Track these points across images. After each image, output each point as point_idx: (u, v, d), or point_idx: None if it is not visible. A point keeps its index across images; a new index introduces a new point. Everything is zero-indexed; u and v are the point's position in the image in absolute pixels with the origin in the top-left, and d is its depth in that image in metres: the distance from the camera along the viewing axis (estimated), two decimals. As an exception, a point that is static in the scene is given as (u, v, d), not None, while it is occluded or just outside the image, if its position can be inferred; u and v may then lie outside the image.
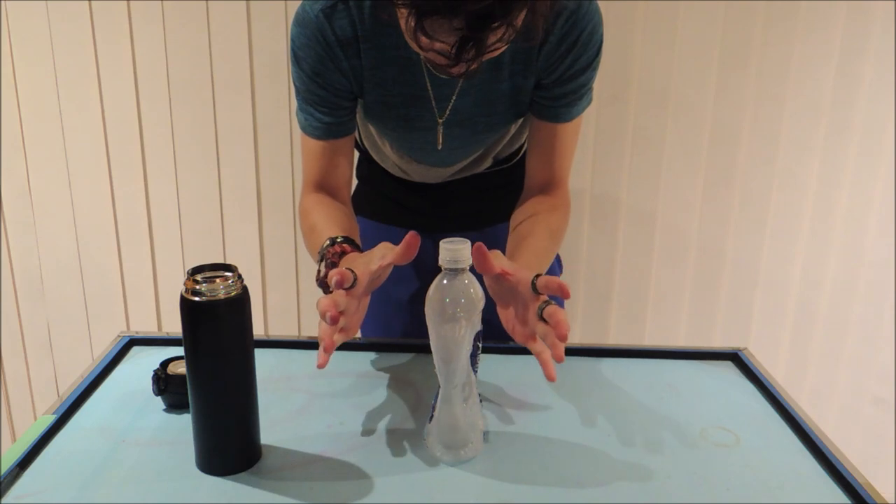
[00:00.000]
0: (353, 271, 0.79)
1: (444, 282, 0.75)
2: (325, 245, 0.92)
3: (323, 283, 0.90)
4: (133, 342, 1.07)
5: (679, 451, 0.83)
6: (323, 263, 0.92)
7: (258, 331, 1.48)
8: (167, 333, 1.12)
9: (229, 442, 0.78)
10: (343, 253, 0.91)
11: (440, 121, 1.02)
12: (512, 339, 0.85)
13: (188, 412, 0.79)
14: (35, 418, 1.69)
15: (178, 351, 0.83)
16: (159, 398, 0.90)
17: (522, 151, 1.16)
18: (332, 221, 0.97)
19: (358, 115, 1.08)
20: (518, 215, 1.05)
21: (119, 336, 1.08)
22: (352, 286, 0.79)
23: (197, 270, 0.75)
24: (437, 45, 0.75)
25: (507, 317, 0.86)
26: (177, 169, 1.77)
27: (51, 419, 0.85)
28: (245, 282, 0.76)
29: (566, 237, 1.09)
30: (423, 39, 0.75)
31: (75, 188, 1.78)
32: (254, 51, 1.69)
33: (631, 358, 1.05)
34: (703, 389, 0.97)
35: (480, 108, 1.01)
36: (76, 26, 1.67)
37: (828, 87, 1.70)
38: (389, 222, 1.21)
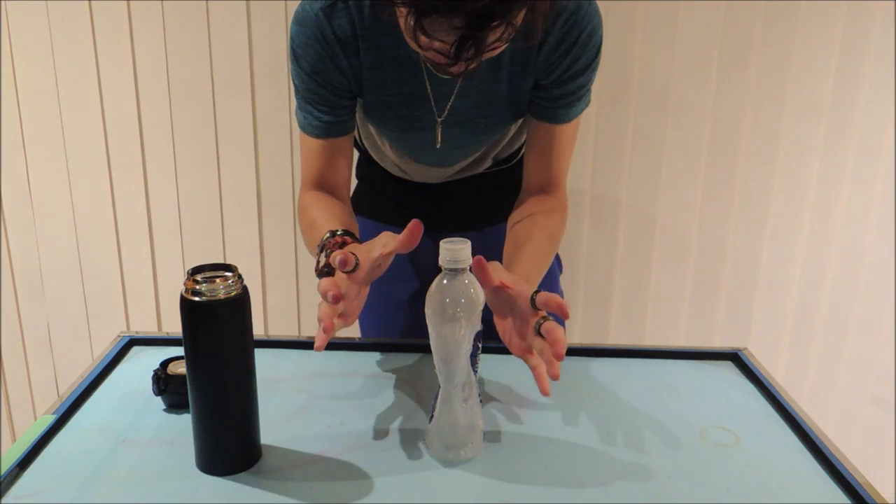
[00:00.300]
0: (355, 255, 0.79)
1: (444, 282, 0.75)
2: (325, 237, 0.92)
3: (323, 273, 0.90)
4: (133, 342, 1.07)
5: (679, 451, 0.83)
6: (323, 254, 0.91)
7: (258, 331, 1.48)
8: (167, 333, 1.12)
9: (229, 442, 0.78)
10: (344, 244, 0.91)
11: (439, 120, 1.02)
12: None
13: (188, 412, 0.79)
14: (35, 418, 1.69)
15: (178, 351, 0.83)
16: (159, 398, 0.90)
17: (522, 152, 1.16)
18: (331, 216, 0.97)
19: (357, 115, 1.08)
20: (516, 217, 1.05)
21: (119, 336, 1.08)
22: (353, 270, 0.79)
23: (197, 270, 0.75)
24: (437, 45, 0.75)
25: (504, 328, 0.85)
26: (177, 169, 1.77)
27: (51, 419, 0.85)
28: (245, 282, 0.76)
29: (566, 237, 1.08)
30: (423, 38, 0.75)
31: (75, 188, 1.78)
32: (254, 51, 1.69)
33: (631, 358, 1.05)
34: (703, 389, 0.97)
35: (480, 109, 1.01)
36: (76, 26, 1.66)
37: (828, 87, 1.70)
38: (389, 222, 1.21)
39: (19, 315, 1.87)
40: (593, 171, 1.77)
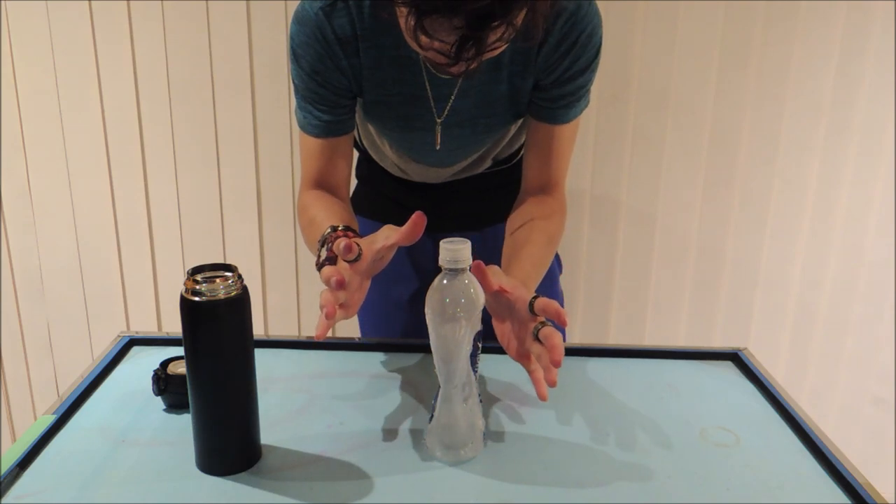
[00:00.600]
0: (358, 245, 0.79)
1: (444, 282, 0.75)
2: (326, 232, 0.91)
3: (324, 266, 0.89)
4: (133, 342, 1.07)
5: (679, 451, 0.83)
6: (324, 248, 0.91)
7: (258, 331, 1.48)
8: (167, 333, 1.12)
9: (229, 442, 0.78)
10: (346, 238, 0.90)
11: (439, 121, 1.02)
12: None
13: (188, 412, 0.79)
14: (35, 418, 1.69)
15: (178, 351, 0.83)
16: (159, 398, 0.90)
17: (522, 152, 1.16)
18: (332, 213, 0.97)
19: (357, 115, 1.08)
20: (515, 219, 1.05)
21: (119, 336, 1.08)
22: (356, 259, 0.79)
23: (197, 270, 0.75)
24: (437, 45, 0.75)
25: (502, 332, 0.86)
26: (177, 169, 1.77)
27: (51, 419, 0.85)
28: (245, 282, 0.76)
29: (566, 237, 1.08)
30: (423, 38, 0.75)
31: (75, 188, 1.78)
32: (254, 51, 1.69)
33: (631, 358, 1.05)
34: (703, 389, 0.97)
35: (479, 109, 1.01)
36: (76, 26, 1.66)
37: (828, 87, 1.70)
38: (389, 222, 1.21)
39: (19, 315, 1.87)
40: (593, 171, 1.77)
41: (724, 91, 1.71)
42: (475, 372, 0.80)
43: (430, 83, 0.98)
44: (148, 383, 0.90)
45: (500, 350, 0.86)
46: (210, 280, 0.73)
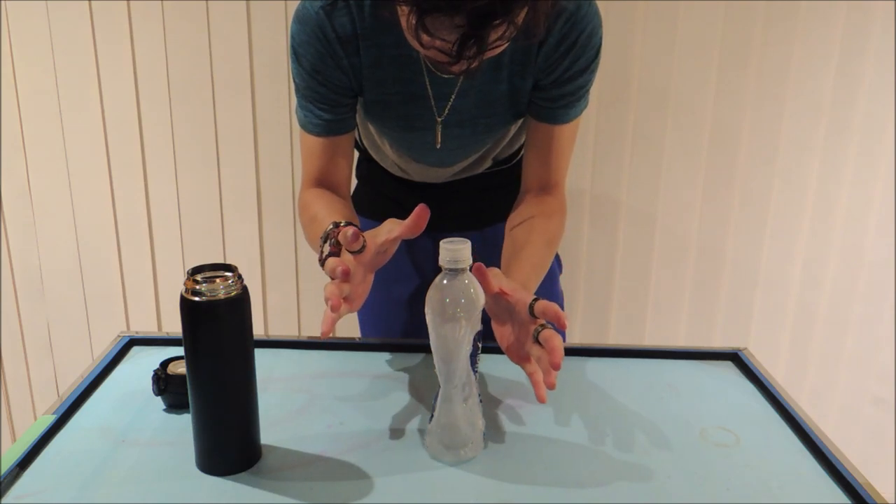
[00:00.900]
0: (362, 236, 0.79)
1: (444, 282, 0.75)
2: (328, 228, 0.90)
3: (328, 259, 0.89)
4: (133, 342, 1.07)
5: (679, 451, 0.83)
6: (327, 244, 0.90)
7: (258, 331, 1.48)
8: (167, 333, 1.12)
9: (229, 442, 0.78)
10: None
11: (439, 120, 1.02)
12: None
13: (188, 412, 0.79)
14: (35, 418, 1.69)
15: (178, 351, 0.83)
16: (159, 398, 0.90)
17: (522, 152, 1.16)
18: (334, 210, 0.96)
19: (358, 115, 1.08)
20: (514, 218, 1.05)
21: (119, 336, 1.08)
22: (361, 250, 0.79)
23: (197, 270, 0.75)
24: (438, 43, 0.75)
25: (502, 334, 0.86)
26: (177, 169, 1.77)
27: (51, 419, 0.85)
28: (245, 282, 0.76)
29: (566, 237, 1.08)
30: (424, 37, 0.75)
31: (75, 188, 1.78)
32: (254, 51, 1.69)
33: (631, 358, 1.05)
34: (703, 389, 0.97)
35: (479, 109, 1.01)
36: (76, 26, 1.66)
37: (828, 87, 1.70)
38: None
39: (19, 315, 1.87)
40: (593, 171, 1.77)
41: (724, 91, 1.71)
42: (475, 372, 0.80)
43: (431, 82, 0.98)
44: (148, 383, 0.90)
45: (500, 350, 0.86)
46: (210, 280, 0.73)
